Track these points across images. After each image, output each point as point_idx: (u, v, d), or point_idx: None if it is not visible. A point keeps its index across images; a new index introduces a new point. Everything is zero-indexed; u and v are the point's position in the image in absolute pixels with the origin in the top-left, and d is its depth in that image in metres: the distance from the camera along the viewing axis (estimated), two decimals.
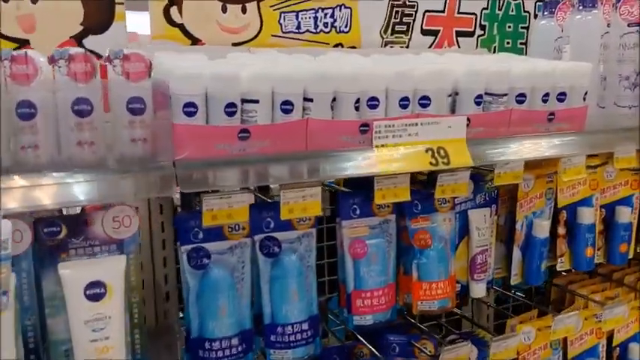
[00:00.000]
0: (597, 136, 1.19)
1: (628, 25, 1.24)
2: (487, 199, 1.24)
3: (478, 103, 1.06)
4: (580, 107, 1.17)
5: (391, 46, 1.35)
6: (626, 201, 1.46)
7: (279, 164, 0.87)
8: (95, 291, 0.77)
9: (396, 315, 1.13)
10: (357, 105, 0.95)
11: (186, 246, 0.91)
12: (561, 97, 1.13)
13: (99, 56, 0.95)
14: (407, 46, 1.39)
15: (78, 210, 0.89)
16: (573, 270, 1.42)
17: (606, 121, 1.25)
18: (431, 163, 1.00)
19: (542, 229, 1.28)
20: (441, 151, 1.02)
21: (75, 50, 0.74)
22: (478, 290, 1.23)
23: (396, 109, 0.99)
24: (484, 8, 1.46)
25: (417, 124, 0.99)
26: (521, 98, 1.09)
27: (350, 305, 1.07)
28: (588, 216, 1.35)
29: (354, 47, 1.32)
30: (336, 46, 1.31)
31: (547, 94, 1.11)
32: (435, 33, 1.42)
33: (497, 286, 1.55)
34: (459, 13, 1.43)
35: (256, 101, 0.87)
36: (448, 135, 1.03)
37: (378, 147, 0.96)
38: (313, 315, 1.02)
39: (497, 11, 1.48)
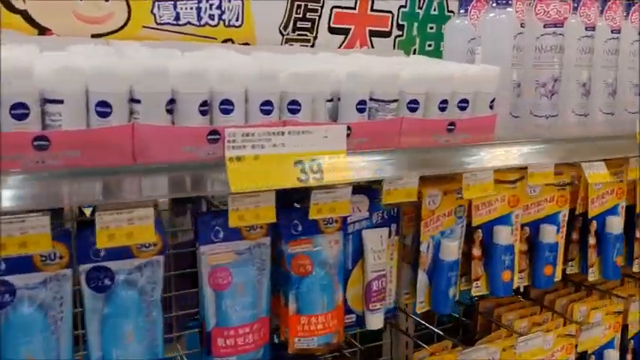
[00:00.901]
0: (509, 149, 1.03)
1: (544, 26, 1.09)
2: (385, 217, 1.07)
3: (361, 110, 0.89)
4: (486, 116, 1.01)
5: (291, 44, 1.18)
6: (551, 219, 1.30)
7: (89, 180, 0.69)
8: None
9: (269, 354, 0.96)
10: (203, 109, 0.77)
11: None
12: (463, 104, 0.97)
13: None
14: (312, 45, 1.22)
15: None
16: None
17: (521, 132, 1.10)
18: (299, 179, 0.83)
19: (449, 251, 1.11)
20: (314, 165, 0.85)
21: None
22: (374, 321, 1.06)
23: (257, 115, 0.82)
24: (402, 6, 1.30)
25: (283, 133, 0.82)
26: (413, 105, 0.92)
27: (210, 345, 0.89)
28: (505, 236, 1.19)
29: (247, 44, 1.15)
30: (225, 41, 1.13)
31: (445, 101, 0.95)
32: (345, 31, 1.25)
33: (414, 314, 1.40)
34: (372, 10, 1.27)
35: (60, 101, 0.69)
36: (324, 146, 0.85)
37: (232, 160, 0.79)
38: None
39: (416, 10, 1.32)
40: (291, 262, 0.95)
